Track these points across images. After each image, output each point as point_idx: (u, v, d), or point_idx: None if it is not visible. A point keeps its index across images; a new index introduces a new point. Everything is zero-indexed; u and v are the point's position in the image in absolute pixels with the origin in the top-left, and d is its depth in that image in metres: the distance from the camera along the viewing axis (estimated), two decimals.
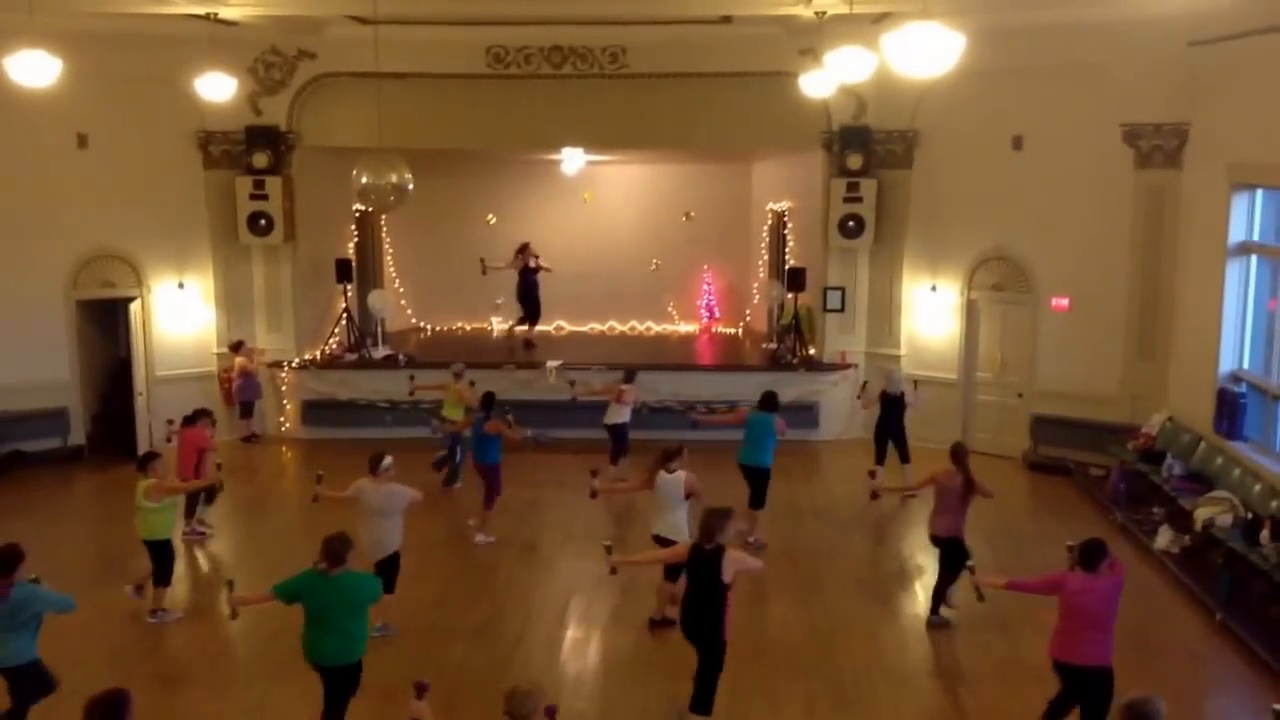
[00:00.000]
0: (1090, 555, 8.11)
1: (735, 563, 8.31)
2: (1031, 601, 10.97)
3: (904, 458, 14.91)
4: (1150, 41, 14.49)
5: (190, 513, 13.28)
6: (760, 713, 8.82)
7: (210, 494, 13.28)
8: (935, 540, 11.02)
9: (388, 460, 10.38)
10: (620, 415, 15.08)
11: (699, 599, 8.39)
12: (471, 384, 15.18)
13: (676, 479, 10.53)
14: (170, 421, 13.72)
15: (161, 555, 10.93)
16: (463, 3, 14.89)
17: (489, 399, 13.70)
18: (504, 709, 6.09)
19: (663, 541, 10.40)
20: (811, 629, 10.82)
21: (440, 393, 15.50)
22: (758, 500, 13.01)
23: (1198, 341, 14.19)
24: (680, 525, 10.48)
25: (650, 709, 9.09)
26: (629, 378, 15.35)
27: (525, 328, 19.43)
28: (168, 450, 13.05)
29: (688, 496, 10.49)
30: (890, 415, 14.85)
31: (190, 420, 13.08)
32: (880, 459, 14.92)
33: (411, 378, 16.24)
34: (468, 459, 14.05)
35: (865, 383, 16.17)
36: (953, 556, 10.73)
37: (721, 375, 17.61)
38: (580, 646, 10.65)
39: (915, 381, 15.96)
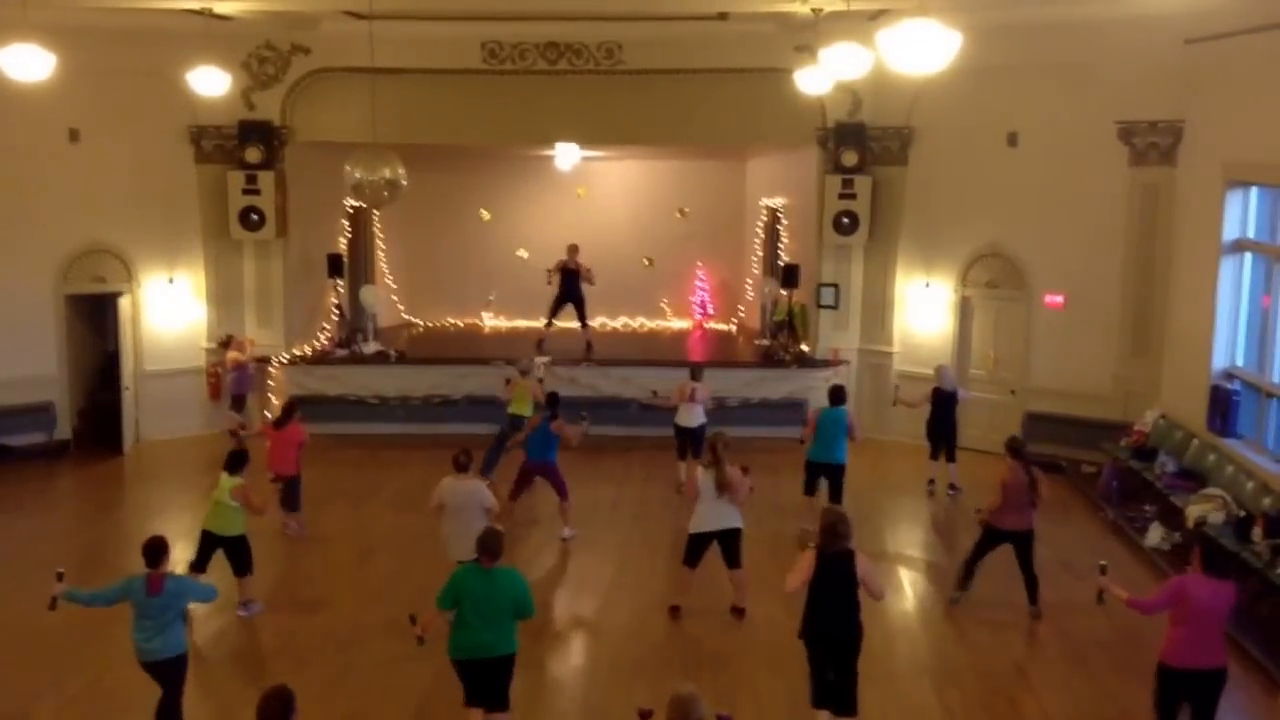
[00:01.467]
0: (1218, 560, 8.04)
1: (863, 566, 8.18)
2: (1018, 599, 11.06)
3: (951, 456, 14.88)
4: (1146, 39, 14.48)
5: (295, 508, 13.35)
6: (744, 712, 8.72)
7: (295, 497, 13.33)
8: (1005, 535, 10.98)
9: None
10: (699, 416, 14.68)
11: (838, 601, 8.14)
12: (540, 380, 15.24)
13: (712, 472, 10.64)
14: (241, 429, 14.41)
15: (239, 549, 11.00)
16: None
17: (554, 398, 13.61)
18: (669, 717, 6.00)
19: (705, 538, 10.59)
20: (797, 628, 10.76)
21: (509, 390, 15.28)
22: (837, 496, 12.99)
23: (1191, 338, 14.17)
24: (732, 513, 10.64)
25: (632, 711, 9.02)
26: (696, 374, 14.97)
27: (582, 329, 18.63)
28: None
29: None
30: (943, 413, 14.78)
31: (283, 420, 13.15)
32: (935, 455, 14.93)
33: (508, 382, 15.53)
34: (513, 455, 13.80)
35: (897, 386, 15.99)
36: (1029, 549, 10.99)
37: (715, 371, 17.51)
38: (567, 644, 10.64)
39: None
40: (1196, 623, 7.83)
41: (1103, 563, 8.79)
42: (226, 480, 10.83)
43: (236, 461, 10.97)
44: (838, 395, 13.24)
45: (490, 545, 8.05)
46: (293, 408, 13.43)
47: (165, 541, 8.38)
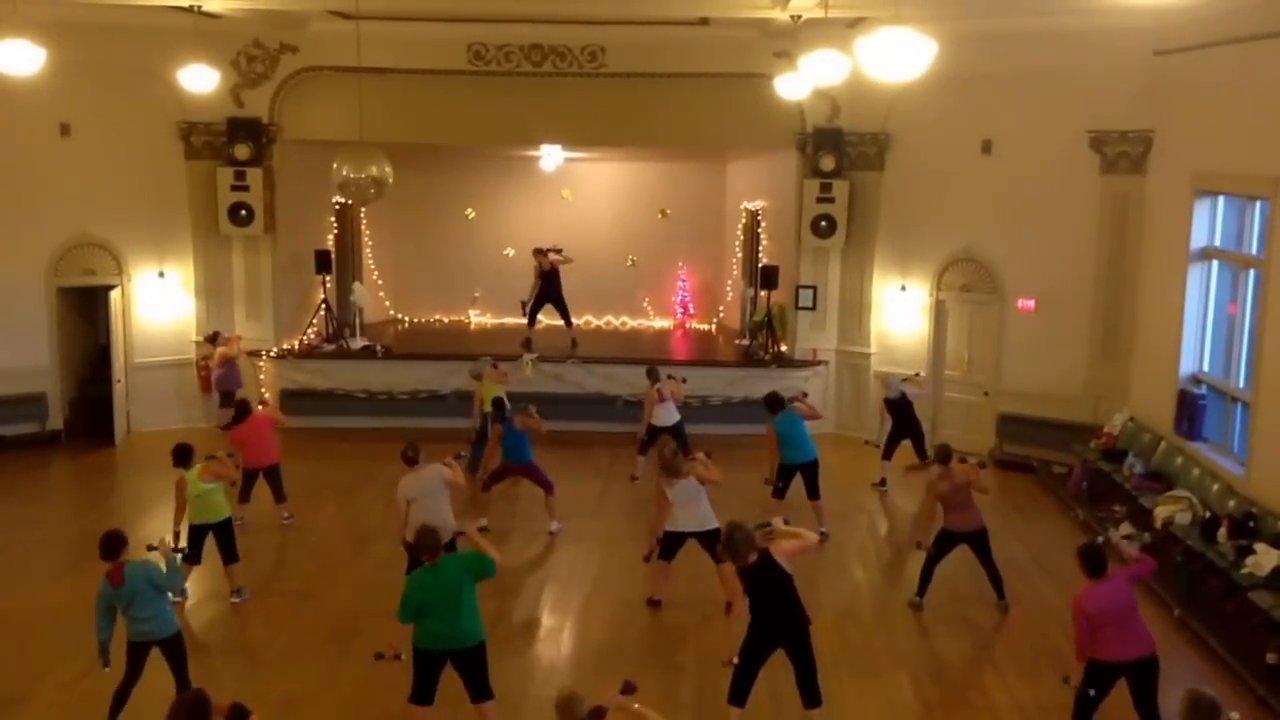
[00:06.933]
0: (1092, 563, 8.35)
1: (783, 552, 8.36)
2: (990, 594, 11.36)
3: (921, 455, 15.18)
4: (1117, 50, 14.78)
5: (282, 498, 13.61)
6: (726, 708, 8.93)
7: (279, 490, 13.59)
8: (959, 537, 11.31)
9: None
10: (673, 414, 14.91)
11: (776, 603, 8.38)
12: (504, 374, 15.58)
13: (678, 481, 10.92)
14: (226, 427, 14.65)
15: (227, 533, 11.20)
16: (444, 0, 15.04)
17: (499, 404, 13.92)
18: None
19: (681, 537, 10.98)
20: None
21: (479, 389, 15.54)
22: (814, 492, 13.30)
23: (1160, 344, 14.48)
24: (709, 513, 11.01)
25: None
26: (653, 376, 15.18)
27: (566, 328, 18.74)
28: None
29: (702, 483, 10.98)
30: (901, 419, 15.11)
31: (238, 418, 13.37)
32: (888, 456, 15.26)
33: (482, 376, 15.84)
34: (492, 455, 13.96)
35: (868, 442, 16.19)
36: (985, 547, 11.33)
37: (696, 370, 17.75)
38: (554, 634, 10.87)
39: (918, 372, 16.24)
40: (1111, 623, 8.21)
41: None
42: (190, 474, 11.00)
43: (185, 455, 11.12)
44: (774, 403, 13.48)
45: (427, 544, 8.21)
46: (245, 405, 13.63)
47: (119, 534, 8.64)
